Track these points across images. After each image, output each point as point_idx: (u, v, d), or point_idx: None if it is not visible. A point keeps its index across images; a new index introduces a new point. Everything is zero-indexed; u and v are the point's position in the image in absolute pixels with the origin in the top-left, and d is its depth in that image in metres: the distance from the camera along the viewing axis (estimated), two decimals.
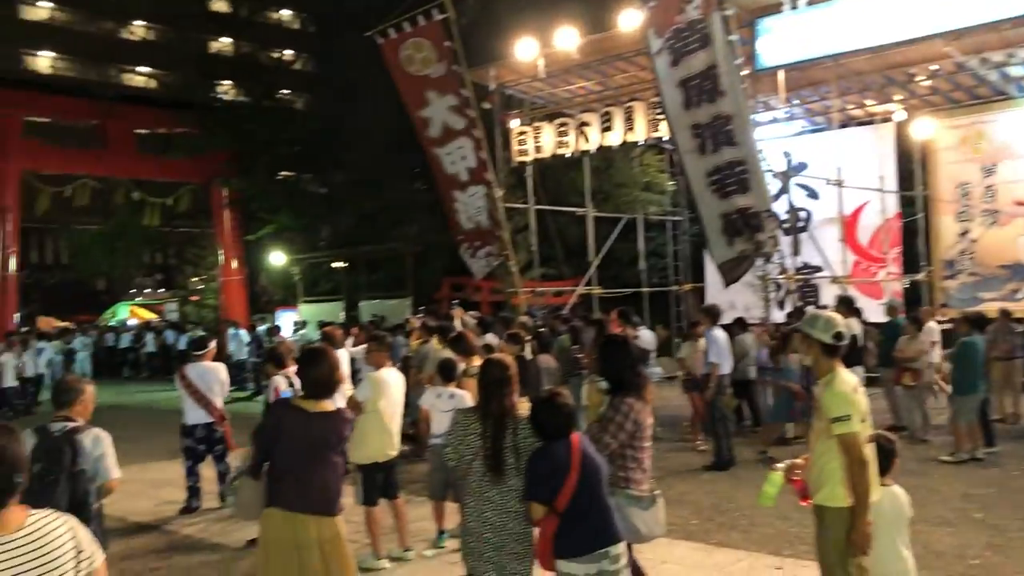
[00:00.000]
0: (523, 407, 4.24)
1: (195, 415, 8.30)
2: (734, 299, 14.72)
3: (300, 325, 21.07)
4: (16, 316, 24.08)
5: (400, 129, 25.18)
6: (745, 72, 12.23)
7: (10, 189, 22.62)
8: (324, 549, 4.33)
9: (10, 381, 16.48)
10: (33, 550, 2.37)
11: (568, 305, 17.46)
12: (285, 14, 46.35)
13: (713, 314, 10.07)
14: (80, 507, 4.42)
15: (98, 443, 4.60)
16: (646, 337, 11.49)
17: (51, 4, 41.87)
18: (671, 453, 10.24)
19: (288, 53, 42.08)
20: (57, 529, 2.44)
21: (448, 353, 7.64)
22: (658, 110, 14.67)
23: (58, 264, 40.05)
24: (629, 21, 13.91)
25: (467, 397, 6.55)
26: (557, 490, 3.78)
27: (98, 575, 2.54)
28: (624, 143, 16.01)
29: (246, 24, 34.49)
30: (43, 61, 41.93)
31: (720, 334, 9.76)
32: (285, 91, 37.28)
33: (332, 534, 4.40)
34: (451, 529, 6.90)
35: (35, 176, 23.57)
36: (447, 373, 6.87)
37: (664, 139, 15.35)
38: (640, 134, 15.48)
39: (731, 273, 12.01)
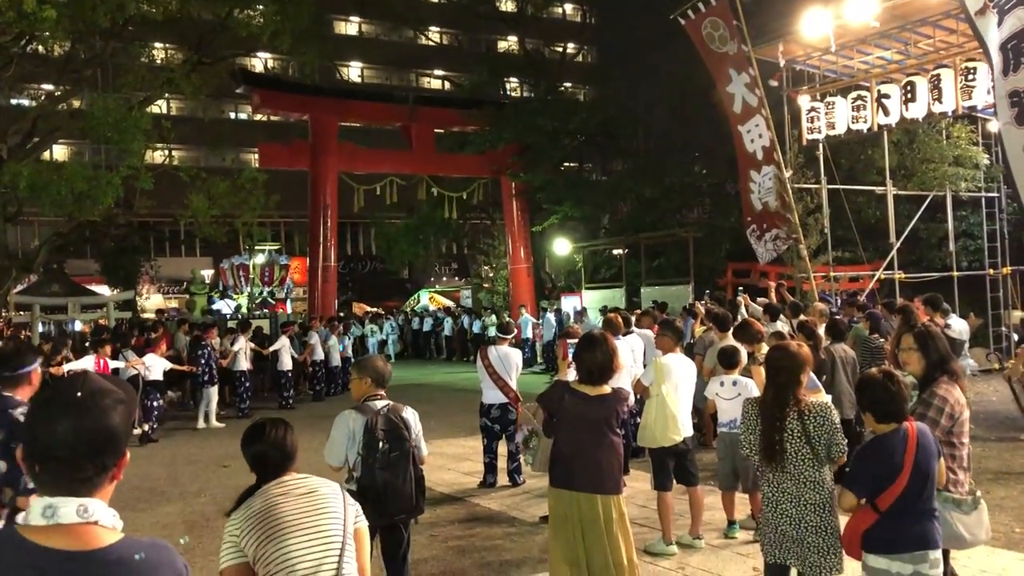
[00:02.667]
0: (818, 396, 4.13)
1: (492, 395, 8.78)
2: None
3: (580, 313, 21.58)
4: (335, 302, 26.85)
5: (679, 115, 25.01)
6: None
7: (330, 188, 25.17)
8: (608, 528, 4.48)
9: (336, 361, 18.44)
10: (306, 487, 2.87)
11: (866, 291, 16.39)
12: (568, 8, 47.49)
13: None
14: (419, 482, 4.57)
15: (416, 419, 4.67)
16: (958, 326, 10.46)
17: (359, 19, 46.10)
18: (989, 453, 9.29)
19: (571, 47, 43.11)
20: (323, 483, 2.92)
21: (730, 341, 7.48)
22: (970, 77, 13.39)
23: (369, 255, 44.09)
24: None
25: (752, 385, 6.39)
26: (883, 489, 3.60)
27: (361, 534, 2.90)
28: (930, 115, 14.69)
29: (531, 21, 35.66)
30: (353, 71, 46.33)
31: None
32: (568, 84, 38.21)
33: (617, 514, 4.55)
34: (741, 520, 6.78)
35: (349, 176, 26.03)
36: (728, 360, 6.74)
37: (979, 108, 13.89)
38: (949, 104, 14.11)
39: None
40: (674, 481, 6.50)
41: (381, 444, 4.39)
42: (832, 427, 3.97)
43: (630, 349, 9.02)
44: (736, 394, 6.48)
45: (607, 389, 4.59)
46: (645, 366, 8.26)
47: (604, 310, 16.35)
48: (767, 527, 4.04)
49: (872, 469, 3.68)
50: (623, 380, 8.66)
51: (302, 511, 2.76)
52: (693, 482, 6.55)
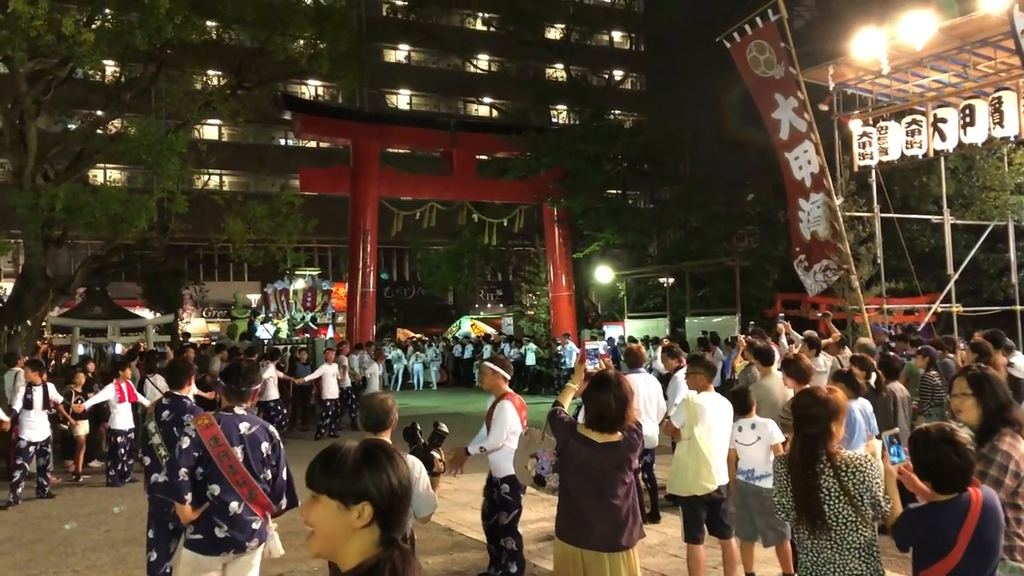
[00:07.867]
0: (872, 448, 3.58)
1: None
2: None
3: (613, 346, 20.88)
4: (373, 329, 26.61)
5: (726, 141, 24.49)
6: None
7: (370, 213, 25.05)
8: None
9: (376, 386, 17.74)
10: None
11: (922, 324, 15.59)
12: (617, 36, 47.26)
13: None
14: None
15: (413, 470, 4.15)
16: (1023, 364, 9.69)
17: (408, 47, 46.37)
18: None
19: (618, 74, 42.78)
20: None
21: (775, 377, 6.90)
22: None
23: (414, 280, 44.02)
24: (995, 1, 12.06)
25: (773, 427, 5.83)
26: (930, 564, 3.09)
27: None
28: (990, 140, 13.96)
29: (577, 48, 35.44)
30: (402, 98, 46.59)
31: None
32: (615, 111, 37.87)
33: (627, 574, 4.06)
34: None
35: (389, 201, 25.87)
36: (741, 404, 6.12)
37: None
38: (1012, 128, 13.37)
39: None
40: (706, 532, 5.94)
41: None
42: (874, 483, 3.43)
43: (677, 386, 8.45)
44: (756, 438, 5.90)
45: (617, 436, 4.08)
46: None
47: (632, 340, 15.77)
48: None
49: (917, 536, 3.19)
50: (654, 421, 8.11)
51: None
52: (727, 534, 5.98)
